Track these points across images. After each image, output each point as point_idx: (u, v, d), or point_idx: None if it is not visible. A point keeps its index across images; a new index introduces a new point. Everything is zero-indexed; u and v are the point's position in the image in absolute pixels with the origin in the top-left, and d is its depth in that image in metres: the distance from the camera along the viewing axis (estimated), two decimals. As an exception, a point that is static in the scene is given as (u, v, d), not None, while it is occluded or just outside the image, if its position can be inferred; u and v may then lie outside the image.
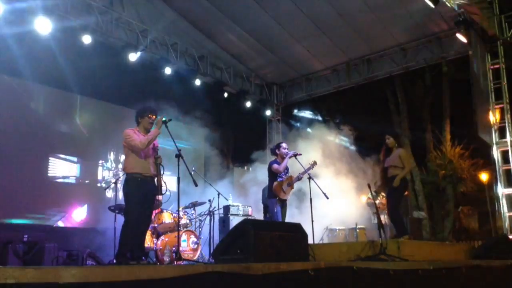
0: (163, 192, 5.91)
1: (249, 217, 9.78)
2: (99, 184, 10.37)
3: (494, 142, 9.77)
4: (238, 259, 4.16)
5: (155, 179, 5.82)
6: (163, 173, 5.95)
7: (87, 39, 9.06)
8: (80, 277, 2.24)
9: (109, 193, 9.92)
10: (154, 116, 5.88)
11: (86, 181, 10.16)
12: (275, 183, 7.60)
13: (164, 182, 5.92)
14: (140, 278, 2.45)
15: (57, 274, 2.13)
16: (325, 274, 3.43)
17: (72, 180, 10.14)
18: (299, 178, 7.70)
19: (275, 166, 7.65)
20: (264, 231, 4.46)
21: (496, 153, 9.74)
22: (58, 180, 9.84)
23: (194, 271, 2.71)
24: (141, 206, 5.63)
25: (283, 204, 7.63)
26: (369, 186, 6.37)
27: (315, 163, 7.94)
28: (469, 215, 18.74)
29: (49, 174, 9.75)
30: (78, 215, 9.77)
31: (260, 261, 3.82)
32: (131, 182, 5.65)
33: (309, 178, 7.63)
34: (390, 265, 4.44)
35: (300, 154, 7.88)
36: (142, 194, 5.63)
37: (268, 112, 13.78)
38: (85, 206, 9.97)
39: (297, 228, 4.94)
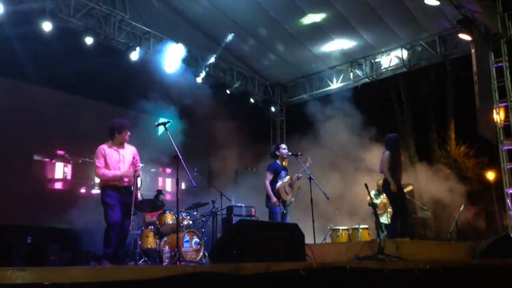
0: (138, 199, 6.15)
1: (252, 218, 9.79)
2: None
3: (498, 140, 9.72)
4: (233, 259, 4.17)
5: (132, 188, 5.89)
6: (141, 186, 6.23)
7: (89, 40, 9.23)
8: (67, 278, 2.27)
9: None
10: (129, 133, 6.01)
11: (88, 183, 10.22)
12: (277, 184, 7.63)
13: (141, 194, 6.10)
14: (127, 279, 2.46)
15: (43, 275, 2.16)
16: (317, 274, 3.43)
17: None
18: (298, 178, 7.70)
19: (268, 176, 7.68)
20: (260, 231, 4.47)
21: (500, 152, 9.70)
22: (60, 182, 9.91)
23: (182, 271, 2.73)
24: (117, 213, 5.71)
25: (285, 204, 7.66)
26: (366, 186, 6.35)
27: (308, 160, 7.91)
28: (475, 214, 18.60)
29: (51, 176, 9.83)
30: (81, 216, 9.82)
31: (255, 261, 3.84)
32: (106, 190, 5.79)
33: (310, 178, 7.61)
34: (386, 264, 4.43)
35: (301, 154, 7.89)
36: (116, 202, 5.74)
37: (271, 113, 13.80)
38: (88, 208, 10.02)
39: (294, 229, 4.94)
